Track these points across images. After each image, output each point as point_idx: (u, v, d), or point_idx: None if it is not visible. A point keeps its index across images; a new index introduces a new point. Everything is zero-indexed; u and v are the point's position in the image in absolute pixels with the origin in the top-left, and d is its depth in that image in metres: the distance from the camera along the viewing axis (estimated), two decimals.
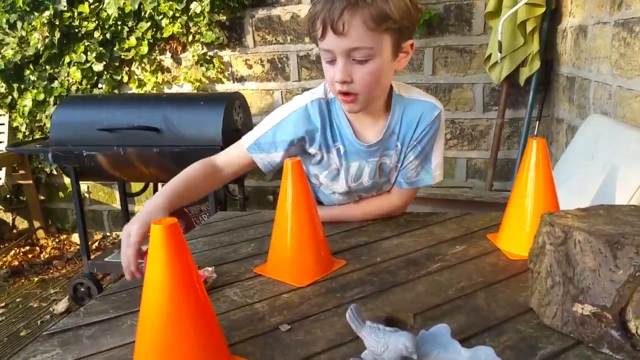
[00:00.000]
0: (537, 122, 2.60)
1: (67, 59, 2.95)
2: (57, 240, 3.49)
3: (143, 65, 2.96)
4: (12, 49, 2.97)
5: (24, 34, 2.94)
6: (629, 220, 0.68)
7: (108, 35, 2.88)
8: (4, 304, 2.66)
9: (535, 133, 2.59)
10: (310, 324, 0.75)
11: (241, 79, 2.93)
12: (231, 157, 1.11)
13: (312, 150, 1.09)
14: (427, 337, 0.62)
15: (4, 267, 3.12)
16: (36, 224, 3.46)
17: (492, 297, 0.79)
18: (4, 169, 3.13)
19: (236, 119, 2.40)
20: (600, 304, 0.61)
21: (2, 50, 2.99)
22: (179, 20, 2.80)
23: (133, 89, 3.02)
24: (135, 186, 3.19)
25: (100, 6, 2.84)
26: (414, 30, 0.98)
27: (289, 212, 0.89)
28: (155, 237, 0.58)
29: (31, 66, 3.02)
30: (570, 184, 1.36)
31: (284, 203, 0.90)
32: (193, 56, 2.87)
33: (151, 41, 2.89)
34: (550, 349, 0.64)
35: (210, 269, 0.89)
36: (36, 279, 2.94)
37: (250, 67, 2.91)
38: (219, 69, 2.90)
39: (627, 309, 0.60)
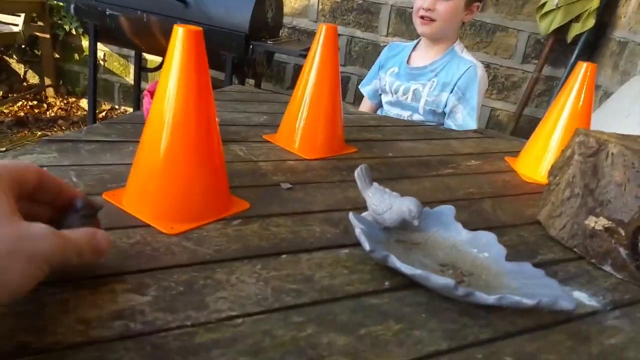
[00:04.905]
0: None
1: None
2: (65, 101, 3.46)
3: None
4: None
5: None
6: None
7: None
8: (4, 148, 2.68)
9: None
10: (311, 189, 0.73)
11: None
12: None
13: (381, 73, 1.53)
14: (429, 214, 0.60)
15: (10, 115, 3.12)
16: (47, 81, 3.42)
17: (499, 206, 0.76)
18: (22, 15, 3.04)
19: (268, 10, 2.29)
20: (617, 218, 0.58)
21: None
22: None
23: None
24: (151, 63, 3.12)
25: None
26: None
27: (311, 80, 0.85)
28: (174, 42, 0.54)
29: None
30: None
31: (308, 70, 0.85)
32: None
33: None
34: (551, 256, 0.63)
35: None
36: (39, 133, 2.95)
37: None
38: None
39: None
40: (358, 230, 0.51)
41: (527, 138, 0.97)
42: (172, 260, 0.47)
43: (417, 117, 1.47)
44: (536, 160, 0.89)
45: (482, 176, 0.89)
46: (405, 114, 1.49)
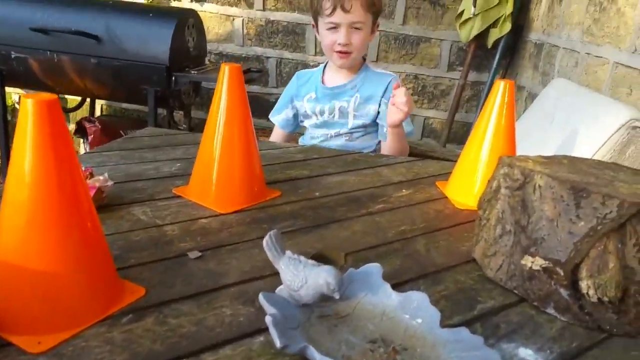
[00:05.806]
0: None
1: None
2: None
3: None
4: None
5: None
6: (593, 172, 0.61)
7: None
8: None
9: None
10: (225, 253, 0.65)
11: None
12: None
13: (297, 102, 1.47)
14: (355, 277, 0.53)
15: None
16: None
17: (433, 244, 0.71)
18: None
19: (188, 39, 2.19)
20: (554, 258, 0.54)
21: None
22: None
23: None
24: (71, 102, 2.93)
25: None
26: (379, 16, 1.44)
27: (220, 124, 0.76)
28: (24, 116, 0.44)
29: None
30: (527, 144, 1.30)
31: (215, 114, 0.77)
32: None
33: None
34: (491, 303, 0.57)
35: (102, 177, 0.73)
36: None
37: None
38: None
39: (581, 266, 0.53)
40: (269, 319, 0.44)
41: (461, 143, 0.93)
42: None
43: (344, 131, 1.43)
44: (466, 185, 0.85)
45: (414, 208, 0.84)
46: (332, 132, 1.45)
